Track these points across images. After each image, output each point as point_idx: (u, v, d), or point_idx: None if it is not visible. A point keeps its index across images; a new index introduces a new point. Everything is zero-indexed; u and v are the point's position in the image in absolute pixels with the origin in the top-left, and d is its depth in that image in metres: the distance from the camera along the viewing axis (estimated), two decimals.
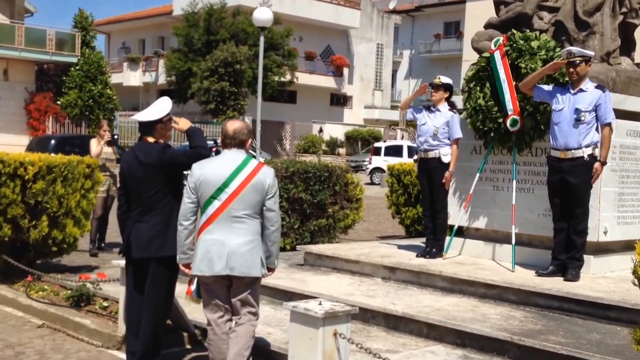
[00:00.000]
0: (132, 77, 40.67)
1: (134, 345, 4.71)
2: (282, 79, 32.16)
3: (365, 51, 42.82)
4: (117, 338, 5.34)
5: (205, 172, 4.32)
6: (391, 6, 50.10)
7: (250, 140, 4.46)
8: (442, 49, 48.75)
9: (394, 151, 27.44)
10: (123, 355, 5.11)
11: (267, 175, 4.31)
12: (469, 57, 30.77)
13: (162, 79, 37.90)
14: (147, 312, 4.63)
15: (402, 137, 37.85)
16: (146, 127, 4.66)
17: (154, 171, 4.55)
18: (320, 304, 4.17)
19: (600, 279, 6.30)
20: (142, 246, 4.57)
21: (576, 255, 6.17)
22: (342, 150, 36.24)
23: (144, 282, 4.67)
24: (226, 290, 4.38)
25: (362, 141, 36.53)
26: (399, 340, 5.33)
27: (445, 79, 7.06)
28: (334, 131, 37.23)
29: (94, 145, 9.15)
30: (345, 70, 40.60)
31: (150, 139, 4.65)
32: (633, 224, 6.93)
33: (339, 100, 41.84)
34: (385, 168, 26.11)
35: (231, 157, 4.33)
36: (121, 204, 4.82)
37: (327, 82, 39.71)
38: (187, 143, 4.76)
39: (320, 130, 36.81)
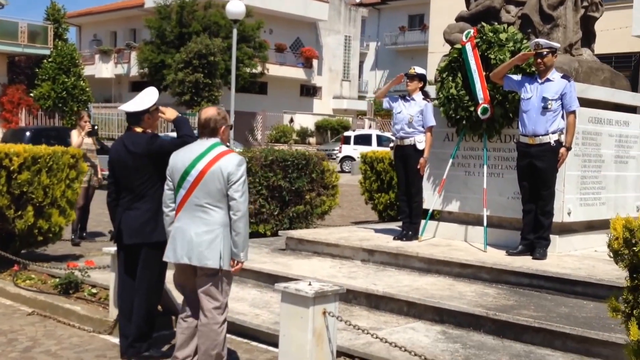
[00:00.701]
0: (104, 69, 40.09)
1: (127, 329, 4.75)
2: (254, 71, 32.02)
3: (333, 43, 42.83)
4: (109, 323, 5.34)
5: (176, 160, 4.29)
6: None
7: (223, 128, 4.28)
8: (407, 41, 48.95)
9: (363, 140, 27.58)
10: (115, 340, 5.14)
11: (229, 163, 4.11)
12: (435, 49, 31.06)
13: (134, 71, 37.42)
14: (140, 296, 4.67)
15: (370, 127, 38.02)
16: (134, 117, 4.66)
17: (143, 160, 4.57)
18: (309, 284, 4.25)
19: (566, 257, 6.50)
20: (133, 232, 4.60)
21: (543, 235, 6.36)
22: (312, 140, 36.26)
23: (136, 268, 4.71)
24: (193, 280, 4.28)
25: (331, 130, 36.59)
26: (380, 318, 5.44)
27: (419, 70, 7.17)
28: (304, 121, 37.23)
29: (75, 136, 9.09)
30: (315, 62, 40.58)
31: (138, 129, 4.66)
32: (594, 205, 7.15)
33: (309, 90, 41.83)
34: (355, 156, 26.46)
35: (199, 145, 4.25)
36: (110, 191, 4.83)
37: (297, 73, 39.66)
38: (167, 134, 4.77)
39: (291, 120, 36.79)
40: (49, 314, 5.80)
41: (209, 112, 4.31)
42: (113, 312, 5.37)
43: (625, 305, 2.76)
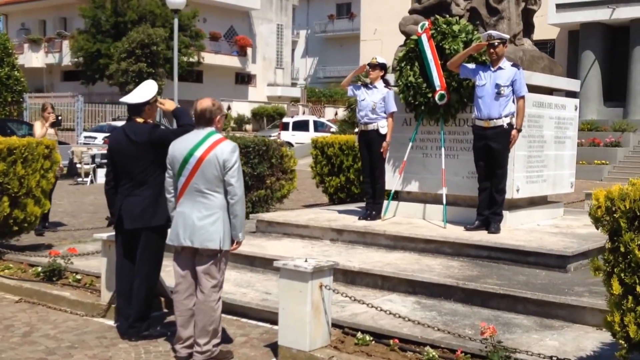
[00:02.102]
0: (34, 59, 38.66)
1: (126, 310, 4.86)
2: (191, 60, 31.62)
3: (266, 31, 42.73)
4: (102, 306, 5.40)
5: (174, 149, 4.44)
6: None
7: (218, 117, 4.44)
8: (336, 29, 49.52)
9: (301, 126, 27.82)
10: (109, 322, 5.23)
11: (224, 150, 4.27)
12: (366, 37, 31.51)
13: (66, 60, 36.26)
14: (141, 278, 4.78)
15: (304, 113, 38.23)
16: (135, 109, 4.77)
17: (145, 148, 4.68)
18: (306, 261, 4.47)
19: (515, 230, 6.96)
20: (135, 218, 4.70)
21: (497, 210, 6.79)
22: (248, 127, 36.18)
23: (134, 251, 4.81)
24: (193, 261, 4.41)
25: (267, 117, 36.63)
26: (358, 292, 5.68)
27: (380, 59, 7.43)
28: (240, 108, 37.09)
29: (39, 127, 9.00)
30: (249, 50, 40.40)
31: (139, 120, 4.77)
32: (537, 182, 7.66)
33: (244, 78, 41.64)
34: (293, 142, 26.65)
35: (195, 134, 4.41)
36: (109, 179, 4.92)
37: (232, 61, 39.41)
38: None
39: (228, 108, 36.56)
40: (37, 301, 5.79)
41: (205, 103, 4.45)
42: (105, 296, 5.43)
43: (607, 264, 3.13)
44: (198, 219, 4.30)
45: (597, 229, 3.16)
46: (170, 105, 4.88)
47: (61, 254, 6.40)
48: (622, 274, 2.99)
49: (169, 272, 5.70)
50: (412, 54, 7.37)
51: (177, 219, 4.40)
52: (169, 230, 4.49)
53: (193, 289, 4.46)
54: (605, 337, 4.37)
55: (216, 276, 4.41)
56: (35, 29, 40.92)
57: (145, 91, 4.78)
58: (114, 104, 28.56)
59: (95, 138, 22.18)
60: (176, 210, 4.44)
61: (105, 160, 17.37)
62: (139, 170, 4.69)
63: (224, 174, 4.28)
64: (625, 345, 2.99)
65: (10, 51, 26.61)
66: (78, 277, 6.14)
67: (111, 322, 5.20)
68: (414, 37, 7.36)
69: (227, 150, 4.30)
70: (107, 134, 22.33)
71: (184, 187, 4.37)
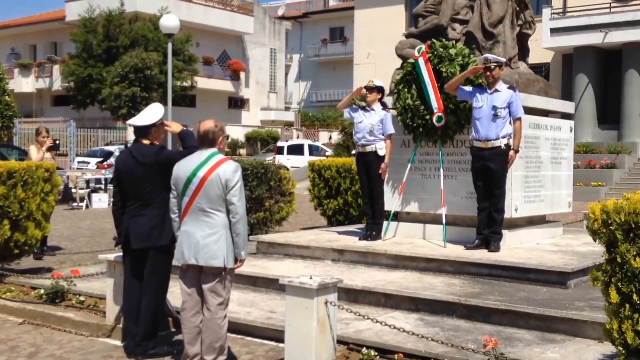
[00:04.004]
0: (25, 84, 38.92)
1: (134, 329, 5.00)
2: (184, 84, 31.94)
3: (259, 55, 43.21)
4: (107, 327, 5.52)
5: (178, 169, 4.63)
6: (280, 13, 50.84)
7: (221, 138, 4.63)
8: (329, 52, 50.13)
9: (296, 150, 28.09)
10: (115, 342, 5.36)
11: (226, 170, 4.45)
12: (360, 61, 31.93)
13: (56, 85, 36.55)
14: (148, 297, 4.93)
15: (298, 137, 38.53)
16: (141, 131, 4.96)
17: (151, 170, 4.87)
18: (311, 278, 4.65)
19: (515, 249, 7.16)
20: (142, 237, 4.87)
21: (496, 229, 7.00)
22: (242, 151, 36.39)
23: (142, 271, 4.97)
24: (199, 279, 4.57)
25: (261, 141, 36.88)
26: (361, 310, 5.81)
27: (378, 82, 7.67)
28: (234, 133, 37.32)
29: (34, 152, 9.12)
30: (242, 74, 40.80)
31: (146, 141, 4.96)
32: (534, 202, 7.89)
33: (237, 103, 41.97)
34: (289, 166, 26.89)
35: (199, 155, 4.60)
36: (116, 200, 5.10)
37: (225, 85, 39.76)
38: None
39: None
40: (41, 322, 5.91)
41: (207, 124, 4.65)
42: (110, 316, 5.57)
43: (604, 274, 3.33)
44: (202, 238, 4.47)
45: (595, 241, 3.36)
46: (176, 127, 5.09)
47: (64, 275, 6.53)
48: (619, 284, 3.19)
49: (174, 293, 5.87)
50: (409, 77, 7.63)
51: (182, 238, 4.58)
52: (175, 250, 4.67)
53: (199, 307, 4.62)
54: (607, 349, 4.55)
55: (222, 294, 4.56)
56: (26, 54, 41.27)
57: (151, 113, 4.99)
58: (106, 129, 28.82)
59: (88, 163, 22.34)
60: (180, 230, 4.62)
61: (99, 185, 17.72)
62: (145, 190, 4.87)
63: (226, 193, 4.45)
64: (624, 352, 3.18)
65: (1, 76, 26.88)
66: (81, 298, 6.27)
67: (117, 342, 5.33)
68: (411, 60, 7.62)
69: (229, 170, 4.49)
70: (100, 159, 22.53)
71: (187, 207, 4.55)
